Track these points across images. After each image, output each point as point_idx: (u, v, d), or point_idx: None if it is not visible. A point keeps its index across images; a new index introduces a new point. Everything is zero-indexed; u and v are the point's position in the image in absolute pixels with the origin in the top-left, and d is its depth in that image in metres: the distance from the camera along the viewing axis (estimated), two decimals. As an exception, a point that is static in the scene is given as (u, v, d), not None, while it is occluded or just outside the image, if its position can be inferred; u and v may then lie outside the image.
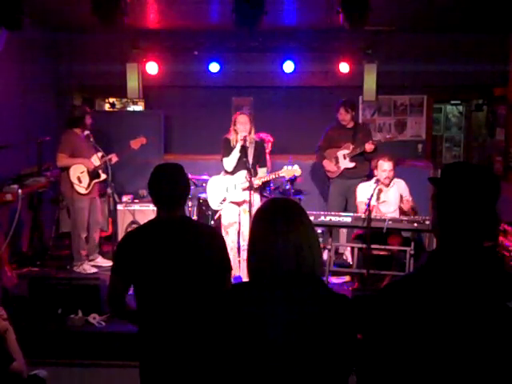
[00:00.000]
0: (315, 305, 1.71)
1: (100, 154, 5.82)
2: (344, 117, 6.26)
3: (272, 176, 5.33)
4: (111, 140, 6.67)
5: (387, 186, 5.44)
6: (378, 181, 5.27)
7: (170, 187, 2.57)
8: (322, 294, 1.75)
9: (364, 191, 5.42)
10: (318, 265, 1.78)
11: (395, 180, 5.49)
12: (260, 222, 1.82)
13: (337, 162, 6.27)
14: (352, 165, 6.20)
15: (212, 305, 2.42)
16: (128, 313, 2.69)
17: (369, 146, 6.06)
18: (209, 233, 2.74)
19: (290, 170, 5.24)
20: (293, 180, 6.03)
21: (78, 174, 5.78)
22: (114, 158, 5.93)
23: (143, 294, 2.56)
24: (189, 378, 2.49)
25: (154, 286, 2.51)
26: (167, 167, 2.67)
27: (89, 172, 5.81)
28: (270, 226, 1.76)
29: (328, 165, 6.32)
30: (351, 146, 6.19)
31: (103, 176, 5.87)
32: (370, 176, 6.26)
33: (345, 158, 6.22)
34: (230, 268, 2.67)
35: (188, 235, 2.57)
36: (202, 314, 2.42)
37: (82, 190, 5.80)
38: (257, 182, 5.22)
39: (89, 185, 5.82)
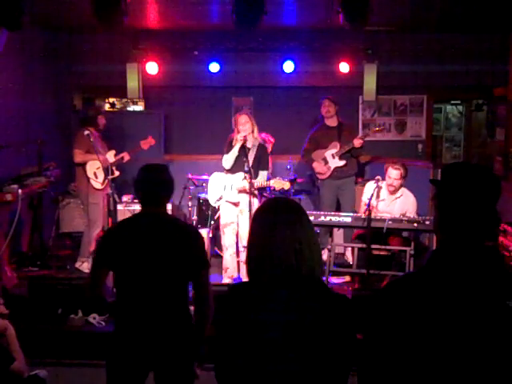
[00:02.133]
0: (315, 305, 1.71)
1: (113, 152, 6.04)
2: (328, 108, 6.22)
3: (263, 183, 5.26)
4: (111, 140, 6.66)
5: (392, 193, 5.42)
6: (377, 180, 5.26)
7: (151, 185, 2.77)
8: (322, 294, 1.75)
9: (370, 191, 5.40)
10: (317, 265, 1.78)
11: (404, 191, 5.42)
12: (260, 222, 1.82)
13: (326, 162, 6.21)
14: (343, 163, 6.15)
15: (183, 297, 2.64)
16: (103, 300, 2.91)
17: (357, 142, 6.02)
18: (185, 229, 2.84)
19: (280, 183, 5.24)
20: (293, 180, 6.03)
21: (95, 170, 5.90)
22: (126, 157, 6.18)
23: (121, 281, 2.74)
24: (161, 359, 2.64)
25: (130, 275, 2.68)
26: (150, 167, 2.85)
27: (104, 168, 5.90)
28: (270, 226, 1.76)
29: (317, 166, 6.26)
30: (338, 145, 6.15)
31: (117, 173, 5.98)
32: (358, 174, 6.37)
33: (333, 157, 6.17)
34: (206, 265, 2.77)
35: (163, 228, 2.71)
36: (173, 303, 2.65)
37: (98, 186, 5.91)
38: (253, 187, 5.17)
39: (104, 180, 5.93)
